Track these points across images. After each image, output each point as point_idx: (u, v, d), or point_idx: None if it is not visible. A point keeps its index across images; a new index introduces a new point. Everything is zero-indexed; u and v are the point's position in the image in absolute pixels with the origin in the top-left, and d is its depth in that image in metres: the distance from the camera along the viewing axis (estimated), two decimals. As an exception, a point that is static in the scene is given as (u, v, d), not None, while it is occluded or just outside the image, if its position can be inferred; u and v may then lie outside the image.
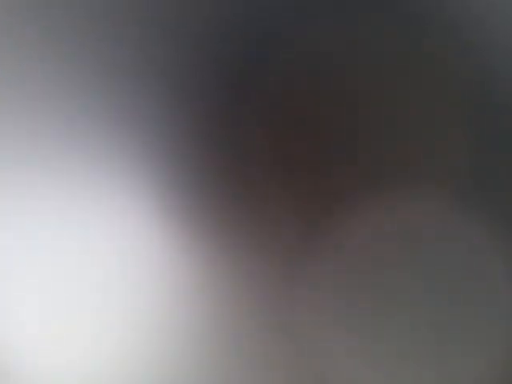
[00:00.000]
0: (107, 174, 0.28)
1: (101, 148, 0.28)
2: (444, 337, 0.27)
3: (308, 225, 0.27)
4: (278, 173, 0.27)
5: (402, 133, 0.28)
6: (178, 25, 0.28)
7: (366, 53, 0.28)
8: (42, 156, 0.28)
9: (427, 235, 0.28)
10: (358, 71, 0.28)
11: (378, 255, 0.27)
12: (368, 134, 0.28)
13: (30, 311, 0.27)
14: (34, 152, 0.28)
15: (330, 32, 0.28)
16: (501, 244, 0.28)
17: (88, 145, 0.28)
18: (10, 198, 0.28)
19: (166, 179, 0.27)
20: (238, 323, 0.27)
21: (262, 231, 0.27)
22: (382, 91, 0.28)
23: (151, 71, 0.28)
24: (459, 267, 0.28)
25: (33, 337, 0.27)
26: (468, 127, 0.28)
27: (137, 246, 0.27)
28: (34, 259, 0.27)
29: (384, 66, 0.28)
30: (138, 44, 0.28)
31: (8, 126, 0.28)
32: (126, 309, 0.27)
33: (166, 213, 0.27)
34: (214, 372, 0.27)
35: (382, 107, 0.28)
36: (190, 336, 0.27)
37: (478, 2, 0.28)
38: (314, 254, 0.27)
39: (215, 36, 0.28)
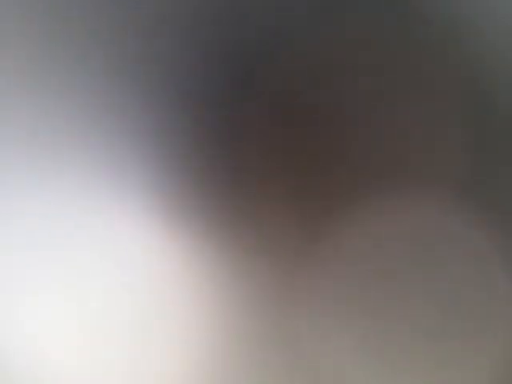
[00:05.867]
0: (107, 174, 0.27)
1: (101, 149, 0.28)
2: (444, 337, 0.27)
3: (308, 225, 0.27)
4: (278, 173, 0.27)
5: (402, 133, 0.28)
6: (179, 24, 0.28)
7: (366, 53, 0.28)
8: (41, 157, 0.28)
9: (427, 235, 0.28)
10: (358, 71, 0.28)
11: (379, 255, 0.27)
12: (368, 134, 0.28)
13: (29, 311, 0.27)
14: (33, 153, 0.28)
15: (331, 32, 0.28)
16: (501, 244, 0.28)
17: (88, 145, 0.28)
18: (9, 198, 0.28)
19: (167, 180, 0.27)
20: (238, 323, 0.27)
21: (262, 232, 0.27)
22: (382, 91, 0.28)
23: (151, 72, 0.28)
24: (459, 267, 0.28)
25: (33, 337, 0.27)
26: (468, 127, 0.28)
27: (136, 246, 0.27)
28: (33, 259, 0.27)
29: (384, 65, 0.28)
30: (140, 44, 0.28)
31: (8, 128, 0.28)
32: (126, 309, 0.27)
33: (166, 213, 0.27)
34: (213, 372, 0.27)
35: (382, 107, 0.28)
36: (189, 336, 0.27)
37: (478, 3, 0.28)
38: (315, 254, 0.27)
39: (217, 36, 0.28)
